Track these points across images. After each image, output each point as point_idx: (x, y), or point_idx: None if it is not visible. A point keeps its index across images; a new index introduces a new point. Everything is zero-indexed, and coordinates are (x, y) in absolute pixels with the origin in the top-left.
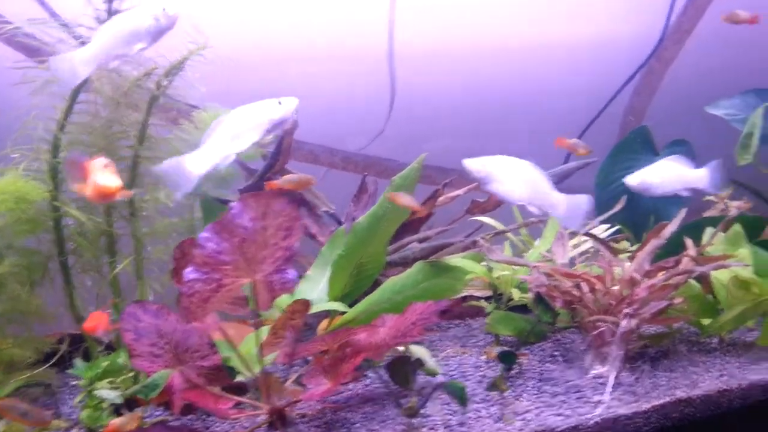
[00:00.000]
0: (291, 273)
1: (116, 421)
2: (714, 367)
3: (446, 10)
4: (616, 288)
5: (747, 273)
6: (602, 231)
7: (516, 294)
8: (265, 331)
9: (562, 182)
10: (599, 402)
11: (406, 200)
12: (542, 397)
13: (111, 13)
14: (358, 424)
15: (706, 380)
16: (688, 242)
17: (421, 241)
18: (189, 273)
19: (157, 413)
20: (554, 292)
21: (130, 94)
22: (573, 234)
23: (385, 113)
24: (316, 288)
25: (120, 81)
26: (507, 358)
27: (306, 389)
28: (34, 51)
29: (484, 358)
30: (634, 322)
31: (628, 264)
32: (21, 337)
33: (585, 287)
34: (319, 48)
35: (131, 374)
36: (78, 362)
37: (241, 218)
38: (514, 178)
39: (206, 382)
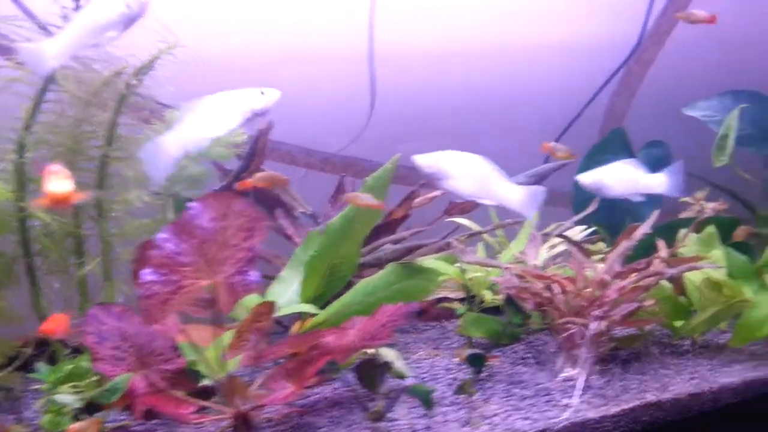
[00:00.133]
0: (253, 275)
1: (75, 426)
2: (685, 369)
3: (426, 11)
4: (588, 290)
5: (719, 275)
6: (578, 232)
7: (488, 296)
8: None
9: (540, 183)
10: (568, 405)
11: (364, 200)
12: (511, 400)
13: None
14: (324, 429)
15: (677, 383)
16: (660, 244)
17: (395, 242)
18: (146, 274)
19: (122, 417)
20: (524, 293)
21: (100, 93)
22: (546, 235)
23: (365, 114)
24: (288, 289)
25: (89, 80)
26: (476, 361)
27: (270, 393)
28: (5, 50)
29: (456, 360)
30: (603, 324)
31: (600, 266)
32: None
33: (556, 289)
34: (298, 49)
35: (96, 378)
36: (41, 366)
37: (200, 219)
38: (465, 172)
39: (170, 386)
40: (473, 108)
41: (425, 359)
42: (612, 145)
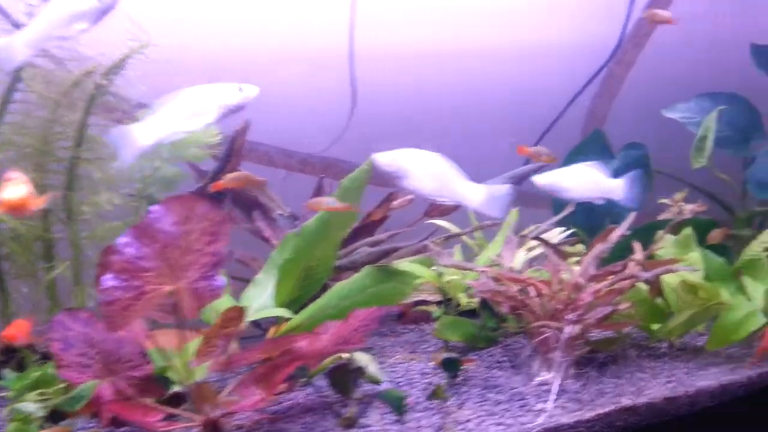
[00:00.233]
0: (219, 280)
1: None
2: (662, 373)
3: (408, 12)
4: (563, 293)
5: (695, 277)
6: (556, 235)
7: (464, 299)
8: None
9: (519, 184)
10: (542, 410)
11: (328, 205)
12: (485, 405)
13: None
14: None
15: (653, 387)
16: (636, 246)
17: (373, 244)
18: (107, 280)
19: (90, 425)
20: (498, 297)
21: (70, 93)
22: (524, 237)
23: (346, 115)
24: (264, 293)
25: (59, 79)
26: (450, 366)
27: (239, 400)
28: None
29: (432, 364)
30: (577, 328)
31: (576, 268)
32: None
33: (532, 292)
34: (279, 49)
35: (64, 385)
36: (7, 373)
37: (162, 222)
38: (425, 171)
39: (138, 393)
40: (454, 109)
41: (401, 363)
42: (591, 147)
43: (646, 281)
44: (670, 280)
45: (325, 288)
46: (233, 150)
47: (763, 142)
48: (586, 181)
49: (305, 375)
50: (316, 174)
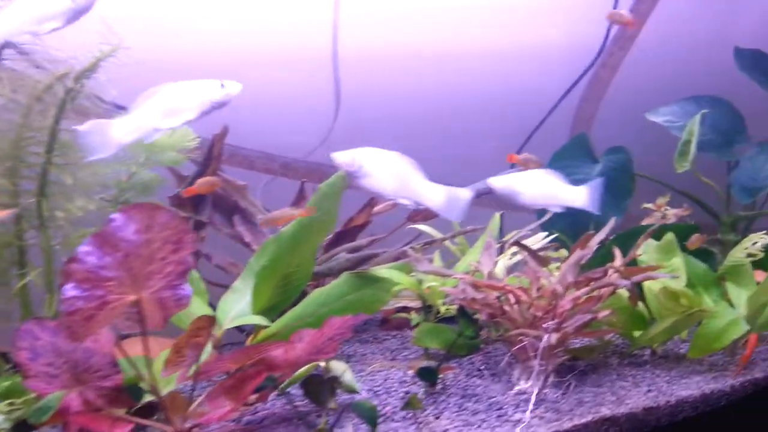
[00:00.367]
0: (185, 289)
1: None
2: (643, 381)
3: (392, 14)
4: (543, 300)
5: (676, 284)
6: (539, 240)
7: (443, 306)
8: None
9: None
10: (519, 420)
11: (282, 217)
12: (462, 414)
13: None
14: None
15: (634, 396)
16: (617, 253)
17: (352, 250)
18: (68, 290)
19: None
20: (475, 304)
21: (42, 97)
22: (504, 243)
23: (330, 118)
24: (242, 300)
25: (31, 83)
26: (427, 376)
27: (209, 411)
28: None
29: (411, 372)
30: (554, 336)
31: (556, 275)
32: None
33: (511, 299)
34: (261, 52)
35: (34, 395)
36: None
37: (124, 231)
38: (385, 170)
39: (107, 404)
40: (440, 111)
41: (380, 371)
42: (575, 150)
43: (630, 286)
44: (652, 286)
45: (304, 294)
46: (212, 154)
47: (747, 146)
48: (543, 187)
49: (276, 385)
50: (298, 178)
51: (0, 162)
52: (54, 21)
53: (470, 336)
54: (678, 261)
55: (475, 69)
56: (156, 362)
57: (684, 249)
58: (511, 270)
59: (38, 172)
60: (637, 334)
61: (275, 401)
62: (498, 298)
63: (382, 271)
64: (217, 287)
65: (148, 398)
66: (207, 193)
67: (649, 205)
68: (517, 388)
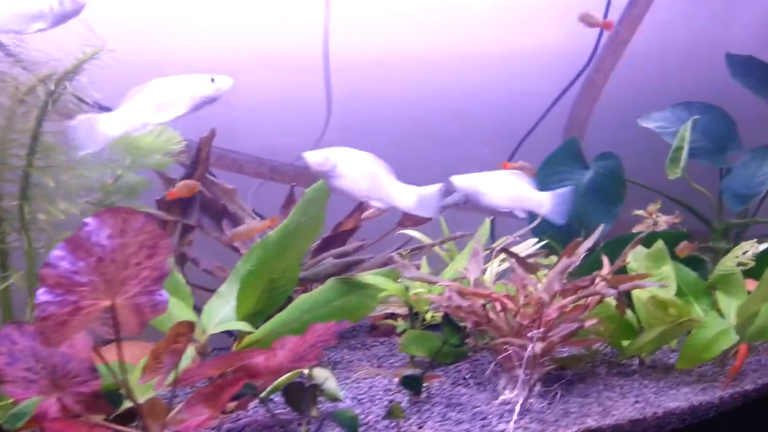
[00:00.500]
0: (162, 294)
1: None
2: (630, 392)
3: (385, 18)
4: (530, 309)
5: (665, 293)
6: (529, 246)
7: (429, 313)
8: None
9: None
10: (503, 431)
11: (249, 231)
12: (446, 424)
13: None
14: None
15: (620, 407)
16: (605, 261)
17: (340, 255)
18: (41, 295)
19: None
20: (459, 312)
21: (25, 100)
22: (492, 249)
23: (322, 123)
24: (227, 305)
25: (13, 85)
26: (410, 384)
27: (188, 419)
28: None
29: (396, 380)
30: (539, 346)
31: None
32: None
33: (497, 306)
34: (254, 56)
35: (12, 401)
36: None
37: (97, 235)
38: (357, 171)
39: (85, 410)
40: (432, 115)
41: (365, 379)
42: (565, 156)
43: (618, 295)
44: (640, 295)
45: (290, 300)
46: (200, 158)
47: (740, 153)
48: (507, 189)
49: (256, 393)
50: (287, 182)
51: None
52: (40, 22)
53: (455, 344)
54: (668, 269)
55: (468, 73)
56: (137, 368)
57: (674, 257)
58: (501, 276)
59: (20, 175)
60: (625, 343)
61: (258, 408)
62: (483, 305)
63: (368, 277)
64: (209, 292)
65: (128, 405)
66: (188, 196)
67: (641, 212)
68: (502, 397)
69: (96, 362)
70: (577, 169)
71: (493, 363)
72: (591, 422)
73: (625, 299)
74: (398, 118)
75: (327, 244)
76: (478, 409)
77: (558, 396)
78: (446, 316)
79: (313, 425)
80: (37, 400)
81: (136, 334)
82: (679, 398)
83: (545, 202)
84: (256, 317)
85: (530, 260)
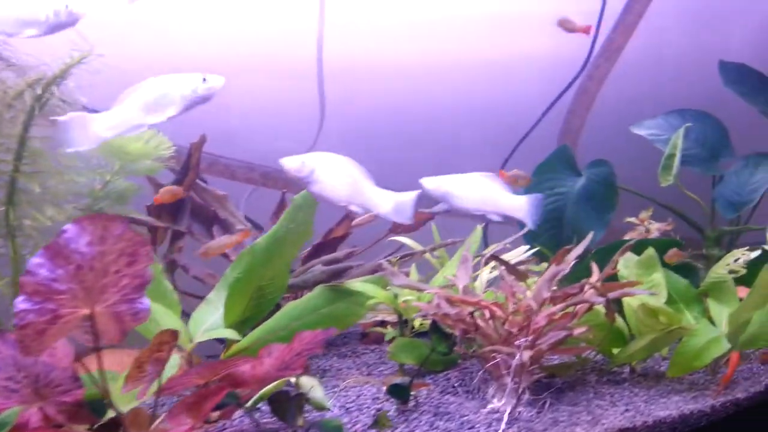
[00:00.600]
0: (143, 302)
1: None
2: (621, 400)
3: (377, 26)
4: (518, 316)
5: (655, 301)
6: (520, 253)
7: (418, 321)
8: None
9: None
10: None
11: (219, 247)
12: None
13: None
14: None
15: (610, 416)
16: (594, 268)
17: (329, 262)
18: (19, 302)
19: None
20: (447, 320)
21: (13, 105)
22: (483, 256)
23: (316, 128)
24: (215, 312)
25: (1, 89)
26: (397, 393)
27: (171, 428)
28: None
29: (385, 388)
30: (527, 354)
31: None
32: None
33: (486, 314)
34: (249, 62)
35: None
36: None
37: (77, 243)
38: (337, 177)
39: (67, 419)
40: (426, 123)
41: (354, 387)
42: (557, 164)
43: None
44: (631, 302)
45: (279, 307)
46: (190, 163)
47: (732, 160)
48: (479, 191)
49: (239, 402)
50: (279, 188)
51: None
52: (33, 28)
53: (443, 352)
54: (659, 276)
55: (461, 80)
56: (122, 377)
57: (665, 264)
58: (492, 284)
59: (7, 180)
60: (616, 351)
61: (243, 418)
62: (471, 313)
63: (357, 284)
64: (199, 299)
65: (112, 414)
66: (171, 201)
67: (633, 219)
68: (490, 406)
69: (79, 371)
70: (570, 176)
71: (482, 371)
72: (580, 431)
73: (615, 307)
74: (392, 124)
75: (318, 251)
76: (466, 418)
77: (547, 404)
78: (434, 324)
79: None
80: (19, 410)
81: (116, 342)
82: (669, 407)
83: (521, 206)
84: (244, 325)
85: (521, 267)
